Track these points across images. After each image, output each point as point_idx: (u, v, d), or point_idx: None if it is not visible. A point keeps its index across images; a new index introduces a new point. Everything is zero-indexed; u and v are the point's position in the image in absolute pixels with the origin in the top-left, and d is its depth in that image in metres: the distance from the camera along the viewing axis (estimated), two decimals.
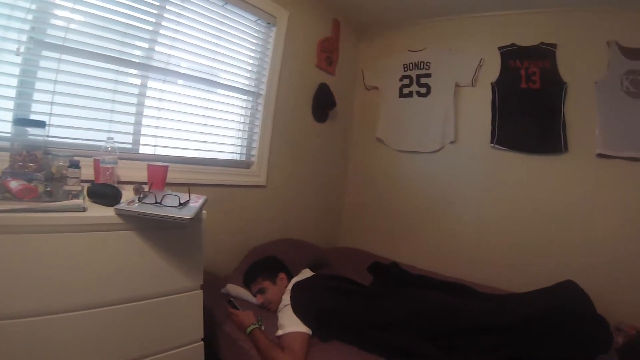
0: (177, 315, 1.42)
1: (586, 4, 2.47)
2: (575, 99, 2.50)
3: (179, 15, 2.14)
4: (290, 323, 1.70)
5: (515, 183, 2.71)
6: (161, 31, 2.08)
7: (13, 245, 1.03)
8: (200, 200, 1.49)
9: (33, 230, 1.06)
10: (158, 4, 2.04)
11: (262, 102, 2.70)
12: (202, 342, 1.52)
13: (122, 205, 1.26)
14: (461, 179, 2.96)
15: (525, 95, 2.66)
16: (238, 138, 2.68)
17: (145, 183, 1.68)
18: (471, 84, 2.91)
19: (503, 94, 2.76)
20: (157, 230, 1.33)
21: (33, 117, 1.63)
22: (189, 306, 1.46)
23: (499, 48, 2.78)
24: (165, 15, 2.08)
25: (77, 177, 1.46)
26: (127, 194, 1.50)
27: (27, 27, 1.59)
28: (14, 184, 1.15)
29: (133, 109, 2.04)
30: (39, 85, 1.67)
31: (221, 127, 2.53)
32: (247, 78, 2.63)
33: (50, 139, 1.65)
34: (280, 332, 1.68)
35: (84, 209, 1.19)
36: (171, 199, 1.35)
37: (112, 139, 1.64)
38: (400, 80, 3.27)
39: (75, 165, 1.46)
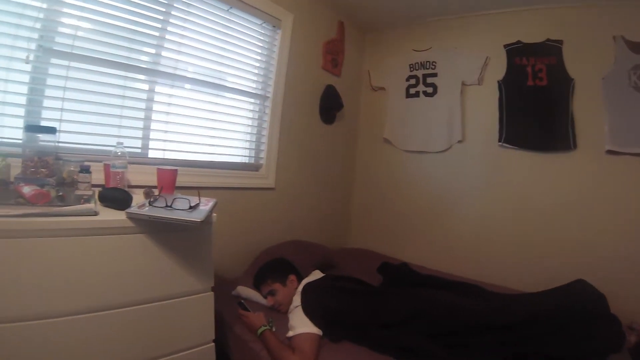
0: (188, 317, 1.43)
1: None
2: (582, 96, 2.48)
3: (185, 20, 2.16)
4: (300, 324, 1.70)
5: (524, 182, 2.70)
6: (167, 37, 2.10)
7: (27, 249, 1.05)
8: (210, 203, 1.49)
9: (46, 234, 1.08)
10: (164, 9, 2.06)
11: (269, 104, 2.72)
12: (213, 344, 1.52)
13: (133, 209, 1.27)
14: (469, 178, 2.96)
15: (532, 93, 2.64)
16: (246, 141, 2.69)
17: (155, 187, 1.69)
18: (477, 82, 2.90)
19: (510, 91, 2.75)
20: (168, 233, 1.34)
21: (43, 123, 1.65)
22: (200, 308, 1.47)
23: (505, 46, 2.77)
24: (171, 20, 2.10)
25: (88, 182, 1.47)
26: (138, 197, 1.52)
27: (35, 35, 1.61)
28: (26, 189, 1.17)
29: (142, 114, 2.06)
30: (48, 92, 1.69)
31: (229, 130, 2.54)
32: (253, 81, 2.65)
33: (60, 144, 1.67)
34: (290, 333, 1.69)
35: (95, 213, 1.20)
36: (181, 203, 1.36)
37: (121, 143, 1.66)
38: (407, 80, 3.27)
39: (86, 170, 1.48)
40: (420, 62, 3.18)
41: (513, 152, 2.73)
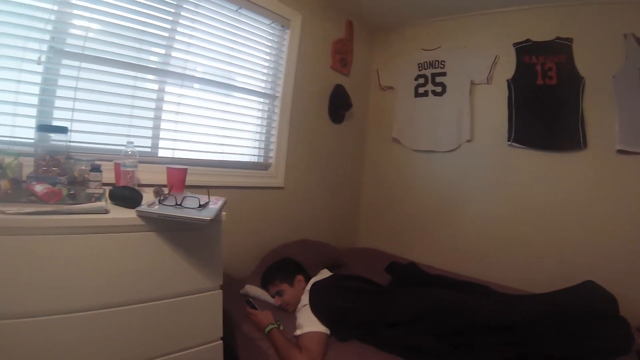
0: (197, 315, 1.44)
1: None
2: (593, 94, 2.46)
3: (194, 20, 2.18)
4: (308, 323, 1.70)
5: (533, 181, 2.68)
6: (177, 37, 2.12)
7: (39, 246, 1.07)
8: (220, 202, 1.50)
9: (58, 232, 1.09)
10: (173, 10, 2.08)
11: (278, 104, 2.73)
12: (221, 341, 1.53)
13: (143, 207, 1.29)
14: (478, 178, 2.94)
15: (542, 92, 2.62)
16: (255, 140, 2.71)
17: (164, 186, 1.71)
18: (486, 81, 2.89)
19: (519, 90, 2.73)
20: (178, 232, 1.35)
21: (55, 123, 1.68)
22: (209, 306, 1.48)
23: (514, 44, 2.75)
24: (180, 21, 2.12)
25: (99, 181, 1.49)
26: (148, 196, 1.53)
27: (47, 37, 1.64)
28: (38, 188, 1.19)
29: (152, 114, 2.08)
30: (60, 92, 1.72)
31: (238, 129, 2.56)
32: (263, 81, 2.66)
33: (72, 144, 1.69)
34: (298, 332, 1.69)
35: (106, 211, 1.22)
36: (191, 201, 1.37)
37: (131, 143, 1.67)
38: (415, 79, 3.26)
39: (96, 169, 1.50)
40: (429, 62, 3.17)
41: (522, 152, 2.71)
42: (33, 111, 1.64)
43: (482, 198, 2.91)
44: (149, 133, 2.08)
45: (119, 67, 1.89)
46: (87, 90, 1.79)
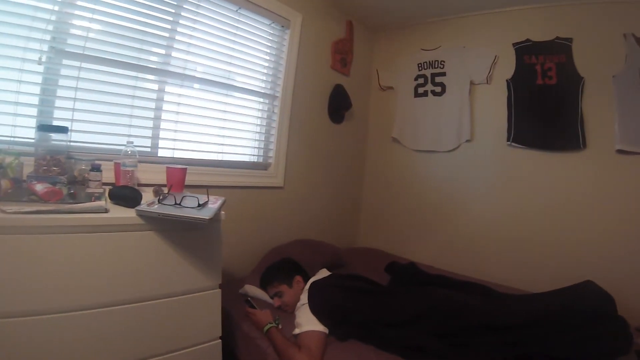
0: (196, 314, 1.45)
1: None
2: (592, 94, 2.46)
3: (194, 21, 2.19)
4: (307, 322, 1.70)
5: (533, 181, 2.68)
6: (177, 37, 2.13)
7: (39, 245, 1.08)
8: (219, 202, 1.51)
9: (58, 231, 1.10)
10: (173, 11, 2.08)
11: (278, 104, 2.73)
12: (219, 340, 1.54)
13: (143, 206, 1.30)
14: (478, 177, 2.94)
15: (542, 92, 2.62)
16: (255, 140, 2.71)
17: (164, 185, 1.72)
18: (486, 81, 2.89)
19: (519, 90, 2.73)
20: (177, 231, 1.36)
21: (55, 123, 1.69)
22: (208, 305, 1.49)
23: (514, 44, 2.75)
24: (180, 21, 2.13)
25: (99, 180, 1.50)
26: (147, 196, 1.54)
27: (47, 37, 1.65)
28: (39, 187, 1.20)
29: (151, 114, 2.09)
30: (60, 92, 1.73)
31: (238, 129, 2.57)
32: (262, 81, 2.67)
33: (72, 144, 1.71)
34: (297, 331, 1.69)
35: (106, 211, 1.23)
36: (190, 201, 1.38)
37: (131, 143, 1.68)
38: (415, 79, 3.26)
39: (96, 168, 1.50)
40: (429, 62, 3.18)
41: (522, 152, 2.71)
42: (34, 111, 1.65)
43: (481, 198, 2.91)
44: (149, 133, 2.09)
45: (119, 67, 1.90)
46: (88, 90, 1.80)
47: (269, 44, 2.67)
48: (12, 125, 1.57)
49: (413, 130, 3.29)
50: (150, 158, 2.05)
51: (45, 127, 1.51)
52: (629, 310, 1.67)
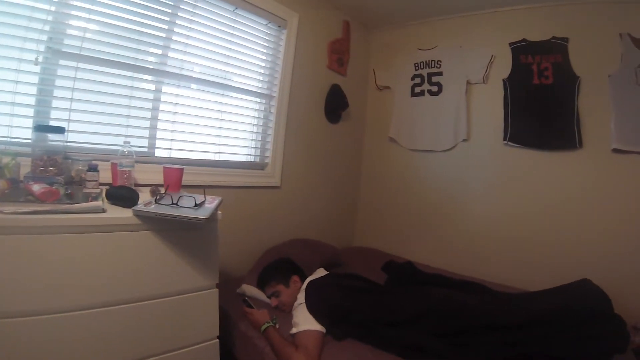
0: (194, 314, 1.46)
1: None
2: (588, 94, 2.47)
3: (191, 21, 2.19)
4: (304, 321, 1.71)
5: (529, 180, 2.69)
6: (174, 37, 2.13)
7: (37, 245, 1.08)
8: (216, 201, 1.52)
9: (55, 231, 1.11)
10: (170, 11, 2.09)
11: (274, 104, 2.74)
12: (217, 340, 1.55)
13: (140, 206, 1.30)
14: (474, 177, 2.95)
15: (538, 91, 2.63)
16: (252, 140, 2.72)
17: (161, 185, 1.72)
18: (482, 81, 2.90)
19: (515, 90, 2.74)
20: (174, 231, 1.36)
21: (52, 123, 1.69)
22: (205, 304, 1.49)
23: (510, 44, 2.76)
24: (177, 22, 2.13)
25: (96, 180, 1.51)
26: (144, 196, 1.54)
27: (44, 37, 1.65)
28: (36, 187, 1.20)
29: (148, 114, 2.09)
30: (57, 93, 1.73)
31: (235, 129, 2.57)
32: (259, 81, 2.67)
33: (69, 144, 1.71)
34: (294, 330, 1.69)
35: (103, 211, 1.23)
36: (187, 200, 1.38)
37: (128, 143, 1.69)
38: (412, 79, 3.27)
39: (93, 169, 1.51)
40: (426, 61, 3.18)
41: (518, 151, 2.72)
42: (30, 111, 1.65)
43: (478, 197, 2.92)
44: (146, 133, 2.09)
45: (116, 68, 1.90)
46: (84, 91, 1.80)
47: (266, 44, 2.68)
48: (9, 126, 1.57)
49: (410, 130, 3.30)
50: (147, 158, 2.05)
51: (42, 128, 1.51)
52: (625, 309, 1.68)
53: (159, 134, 2.14)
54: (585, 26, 2.50)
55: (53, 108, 1.72)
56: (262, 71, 2.68)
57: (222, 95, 2.45)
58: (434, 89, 3.13)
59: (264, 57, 2.69)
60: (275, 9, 2.60)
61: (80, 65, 1.77)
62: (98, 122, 1.87)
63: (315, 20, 2.96)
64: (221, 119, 2.44)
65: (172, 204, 1.35)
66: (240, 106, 2.58)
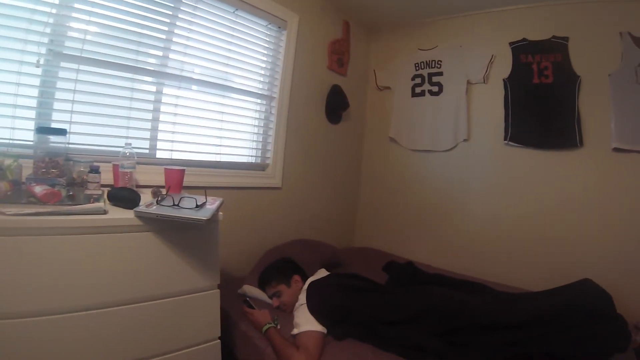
0: (195, 314, 1.46)
1: None
2: (589, 93, 2.46)
3: (191, 23, 2.19)
4: (305, 322, 1.71)
5: (530, 180, 2.68)
6: (174, 39, 2.14)
7: (39, 247, 1.08)
8: (217, 202, 1.52)
9: (57, 232, 1.11)
10: (170, 13, 2.09)
11: (275, 105, 2.74)
12: (218, 341, 1.55)
13: (141, 207, 1.30)
14: (475, 177, 2.95)
15: (538, 91, 2.63)
16: (253, 141, 2.72)
17: (162, 186, 1.72)
18: (483, 80, 2.90)
19: (515, 89, 2.74)
20: (175, 232, 1.37)
21: (54, 125, 1.69)
22: (206, 305, 1.50)
23: (510, 43, 2.76)
24: (177, 23, 2.14)
25: (97, 182, 1.51)
26: (146, 197, 1.55)
27: (45, 40, 1.66)
28: (38, 189, 1.20)
29: (149, 115, 2.10)
30: (58, 95, 1.74)
31: (236, 130, 2.58)
32: (260, 82, 2.68)
33: (71, 146, 1.72)
34: (295, 331, 1.70)
35: (104, 212, 1.23)
36: (188, 202, 1.39)
37: (130, 144, 1.69)
38: (412, 79, 3.27)
39: (95, 170, 1.51)
40: (426, 61, 3.19)
41: (519, 150, 2.72)
42: (32, 113, 1.66)
43: (479, 197, 2.92)
44: (147, 134, 2.10)
45: (116, 69, 1.91)
46: (86, 93, 1.81)
47: (266, 45, 2.68)
48: (11, 128, 1.58)
49: (410, 130, 3.30)
50: (148, 159, 2.06)
51: (43, 130, 1.52)
52: (627, 308, 1.68)
53: (160, 136, 2.15)
54: (585, 25, 2.49)
55: (54, 110, 1.73)
56: (262, 72, 2.69)
57: (223, 96, 2.45)
58: (435, 89, 3.13)
59: (264, 58, 2.69)
60: (275, 10, 2.61)
61: (82, 67, 1.78)
62: (99, 123, 1.88)
63: (315, 21, 2.97)
64: (222, 120, 2.45)
65: (174, 205, 1.35)
66: (241, 107, 2.59)
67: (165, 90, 2.15)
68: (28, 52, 1.60)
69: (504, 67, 2.80)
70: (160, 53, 2.10)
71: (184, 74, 2.21)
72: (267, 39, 2.68)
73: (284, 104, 2.77)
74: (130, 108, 1.99)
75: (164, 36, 2.09)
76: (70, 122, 1.75)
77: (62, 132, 1.49)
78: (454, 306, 1.73)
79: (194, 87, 2.32)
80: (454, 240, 3.03)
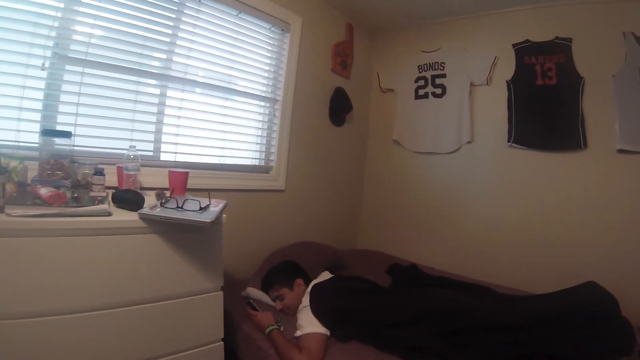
0: (198, 316, 1.46)
1: None
2: (593, 94, 2.45)
3: (195, 26, 2.21)
4: (308, 324, 1.72)
5: (534, 182, 2.67)
6: (178, 42, 2.15)
7: (44, 248, 1.09)
8: (220, 205, 1.52)
9: (62, 234, 1.12)
10: (174, 16, 2.10)
11: (279, 107, 2.75)
12: (222, 342, 1.55)
13: (145, 210, 1.31)
14: (479, 179, 2.94)
15: (542, 92, 2.62)
16: (256, 144, 2.73)
17: (166, 189, 1.73)
18: (486, 82, 2.89)
19: (519, 91, 2.73)
20: (179, 234, 1.37)
21: (59, 128, 1.71)
22: (210, 307, 1.50)
23: (513, 45, 2.76)
24: (181, 26, 2.15)
25: (102, 184, 1.52)
26: (150, 199, 1.55)
27: (50, 43, 1.67)
28: (43, 191, 1.21)
29: (153, 118, 2.11)
30: (63, 97, 1.75)
31: (240, 133, 2.58)
32: (263, 84, 2.68)
33: (75, 148, 1.73)
34: (298, 333, 1.70)
35: (109, 214, 1.24)
36: (192, 204, 1.39)
37: (134, 147, 1.70)
38: (416, 81, 3.27)
39: (99, 172, 1.52)
40: (429, 63, 3.18)
41: (523, 152, 2.71)
42: (37, 116, 1.67)
43: (482, 199, 2.91)
44: (151, 137, 2.11)
45: (121, 73, 1.92)
46: (91, 95, 1.82)
47: (270, 48, 2.69)
48: (17, 130, 1.59)
49: (413, 132, 3.30)
50: (152, 162, 2.07)
51: (49, 132, 1.53)
52: (631, 310, 1.67)
53: (164, 138, 2.16)
54: (589, 26, 2.49)
55: (60, 112, 1.74)
56: (266, 75, 2.70)
57: (227, 99, 2.46)
58: (438, 91, 3.13)
59: (268, 61, 2.70)
60: (279, 13, 2.61)
61: (86, 70, 1.79)
62: (104, 126, 1.89)
63: (318, 23, 2.97)
64: (226, 123, 2.46)
65: (178, 207, 1.36)
66: (245, 110, 2.60)
67: (169, 92, 2.16)
68: (33, 56, 1.61)
69: (507, 68, 2.79)
70: (164, 56, 2.11)
71: (188, 76, 2.22)
72: (271, 42, 2.69)
73: (287, 106, 2.77)
74: (135, 111, 2.01)
75: (167, 39, 2.11)
76: (75, 125, 1.76)
77: (67, 134, 1.50)
78: (456, 307, 1.73)
79: (198, 90, 2.33)
80: (457, 242, 3.02)
